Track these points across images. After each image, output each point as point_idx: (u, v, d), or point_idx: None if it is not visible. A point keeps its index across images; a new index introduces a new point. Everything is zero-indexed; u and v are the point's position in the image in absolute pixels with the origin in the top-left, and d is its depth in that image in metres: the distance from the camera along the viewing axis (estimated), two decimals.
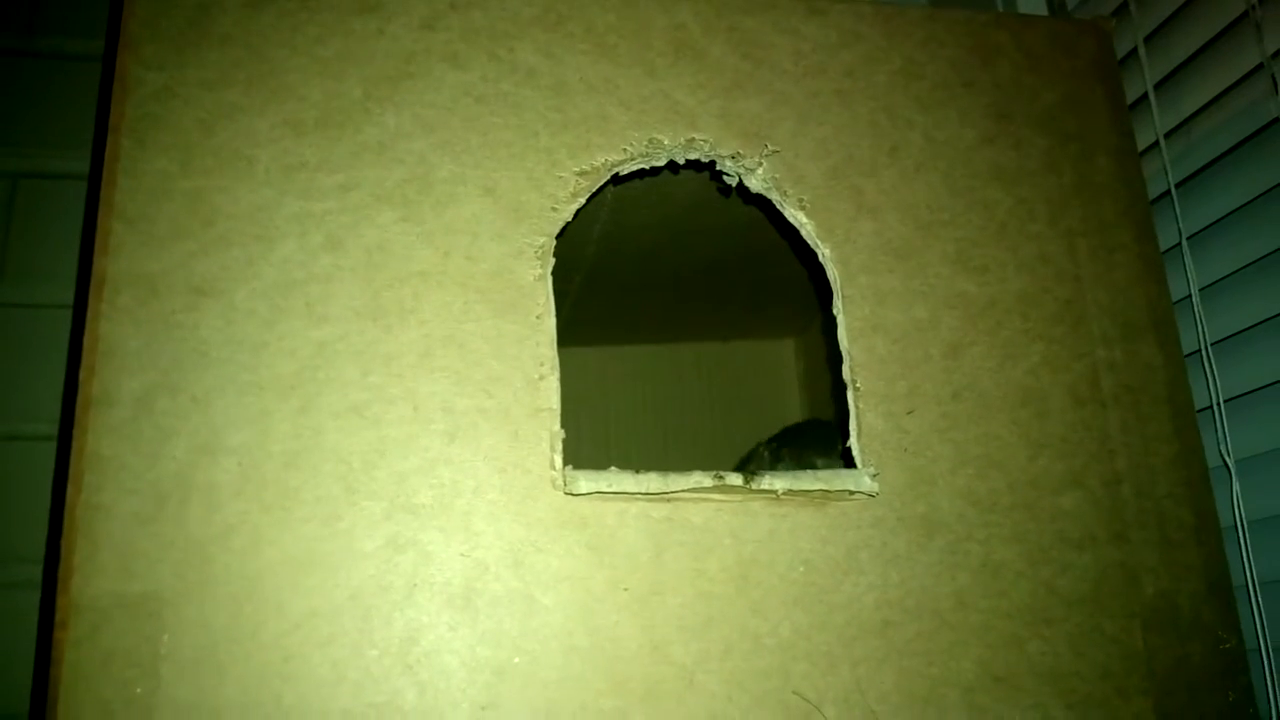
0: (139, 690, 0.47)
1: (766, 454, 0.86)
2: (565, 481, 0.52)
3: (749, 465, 0.88)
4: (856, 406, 0.57)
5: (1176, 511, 0.59)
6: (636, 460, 1.10)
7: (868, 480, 0.55)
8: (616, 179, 0.60)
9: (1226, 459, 0.70)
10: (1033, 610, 0.55)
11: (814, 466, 0.79)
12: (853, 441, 0.57)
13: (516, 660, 0.50)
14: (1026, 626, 0.55)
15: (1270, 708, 0.65)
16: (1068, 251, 0.63)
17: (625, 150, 0.60)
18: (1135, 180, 0.66)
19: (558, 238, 0.57)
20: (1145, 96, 0.80)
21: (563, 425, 0.54)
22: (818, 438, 0.84)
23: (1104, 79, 0.68)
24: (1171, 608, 0.57)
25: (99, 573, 0.48)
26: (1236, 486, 0.69)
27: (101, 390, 0.51)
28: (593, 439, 1.09)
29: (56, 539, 0.49)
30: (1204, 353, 0.73)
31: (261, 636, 0.48)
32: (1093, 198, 0.65)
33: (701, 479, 0.53)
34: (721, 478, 0.53)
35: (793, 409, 1.14)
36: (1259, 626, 0.66)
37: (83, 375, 0.51)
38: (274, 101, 0.57)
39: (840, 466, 0.74)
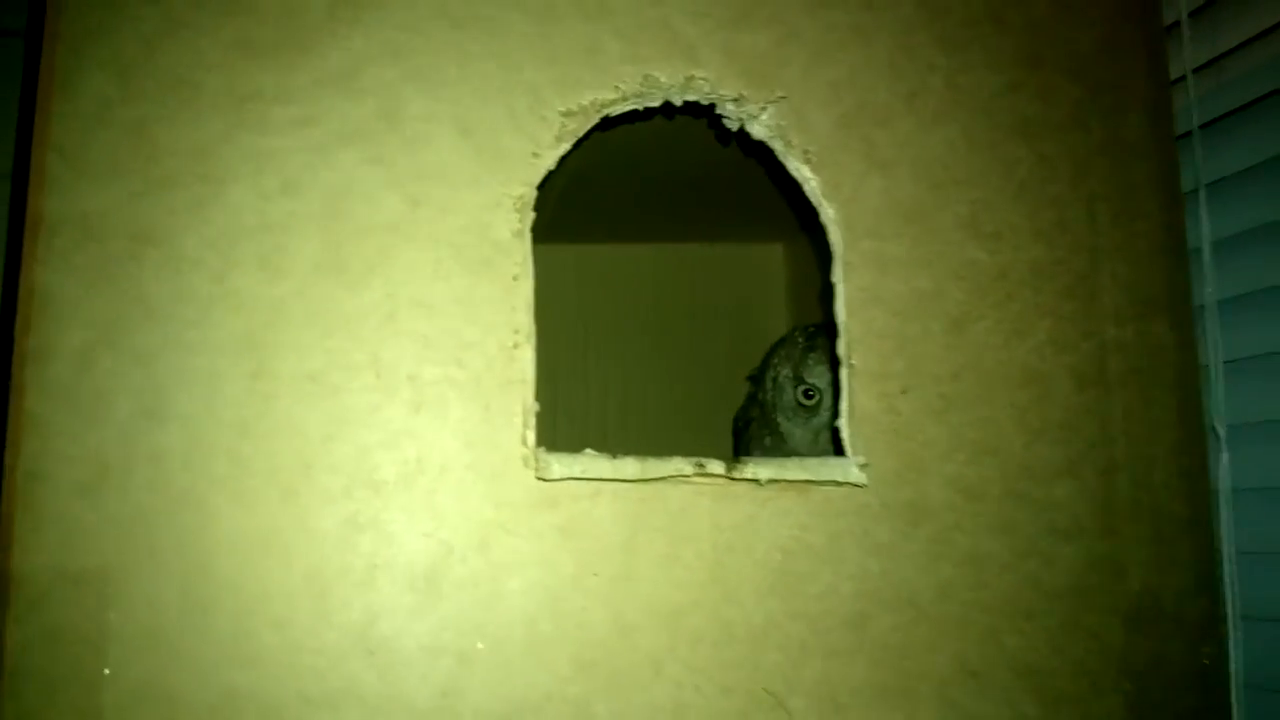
0: (86, 669, 0.45)
1: (802, 340, 0.82)
2: (538, 465, 0.49)
3: (779, 350, 0.84)
4: (849, 385, 0.54)
5: (1170, 504, 0.57)
6: (611, 364, 1.08)
7: (855, 470, 0.52)
8: (606, 122, 0.54)
9: (1218, 427, 0.68)
10: (1014, 603, 0.54)
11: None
12: (842, 424, 0.54)
13: (480, 646, 0.48)
14: (1006, 620, 0.54)
15: (1236, 672, 0.65)
16: (1088, 217, 0.59)
17: (617, 89, 0.54)
18: (1166, 140, 0.61)
19: (539, 188, 0.53)
20: (1176, 24, 0.73)
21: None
22: None
23: (1143, 21, 0.62)
24: (1155, 604, 0.56)
25: (40, 546, 0.45)
26: (1225, 457, 0.67)
27: (39, 344, 0.47)
28: (570, 343, 1.06)
29: None
30: (1210, 312, 0.69)
31: (213, 617, 0.46)
32: (1120, 158, 0.60)
33: (682, 465, 0.50)
34: (703, 465, 0.50)
35: (778, 318, 1.11)
36: (1230, 594, 0.65)
37: (18, 327, 0.47)
38: (225, 17, 0.51)
39: None
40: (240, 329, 0.49)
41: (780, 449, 0.79)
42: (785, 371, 0.80)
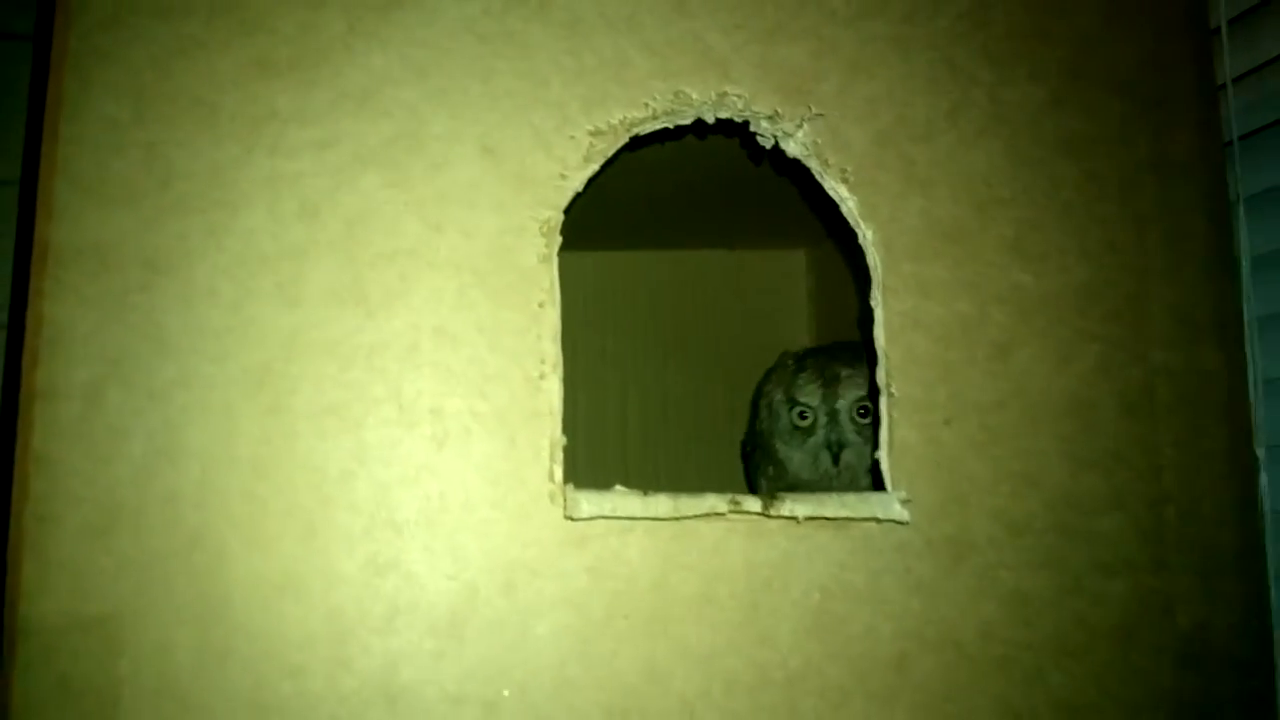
0: None
1: (791, 363, 0.82)
2: (566, 503, 0.47)
3: (770, 377, 0.84)
4: (890, 415, 0.52)
5: (1220, 537, 0.55)
6: (631, 370, 1.06)
7: (897, 507, 0.50)
8: (635, 141, 0.52)
9: (1257, 448, 0.65)
10: (1059, 642, 0.52)
11: (838, 378, 0.75)
12: (882, 456, 0.51)
13: (506, 693, 0.46)
14: (1051, 659, 0.51)
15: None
16: (1136, 238, 0.56)
17: (647, 105, 0.52)
18: (1215, 158, 0.59)
19: (566, 212, 0.50)
20: (1215, 32, 0.71)
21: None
22: (844, 348, 0.80)
23: (1193, 34, 0.59)
24: (1204, 641, 0.53)
25: (49, 592, 0.44)
26: (1264, 479, 0.64)
27: (48, 381, 0.45)
28: (588, 351, 1.04)
29: (1, 554, 0.44)
30: (1248, 330, 0.66)
31: (229, 664, 0.44)
32: (1168, 176, 0.57)
33: (716, 503, 0.48)
34: (738, 502, 0.48)
35: (800, 326, 1.08)
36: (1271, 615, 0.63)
37: (26, 362, 0.45)
38: (241, 36, 0.49)
39: (866, 377, 0.70)
40: (256, 362, 0.47)
41: (782, 479, 0.79)
42: (778, 396, 0.80)
